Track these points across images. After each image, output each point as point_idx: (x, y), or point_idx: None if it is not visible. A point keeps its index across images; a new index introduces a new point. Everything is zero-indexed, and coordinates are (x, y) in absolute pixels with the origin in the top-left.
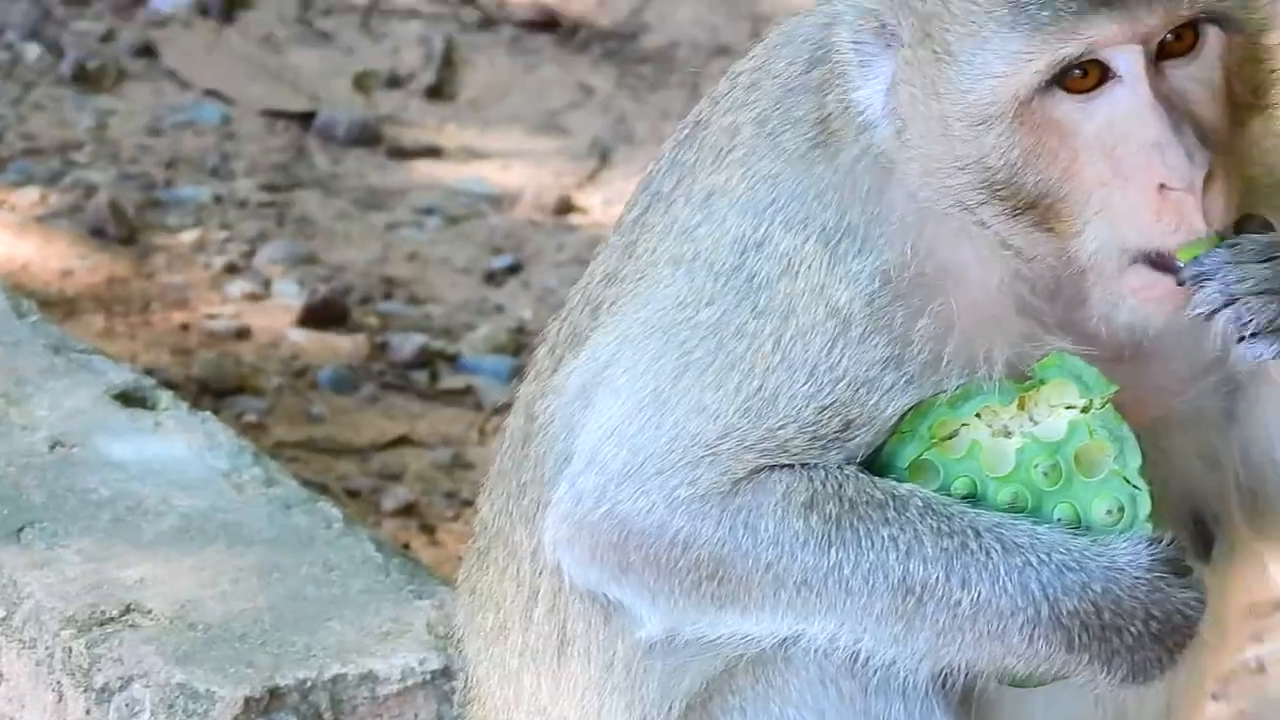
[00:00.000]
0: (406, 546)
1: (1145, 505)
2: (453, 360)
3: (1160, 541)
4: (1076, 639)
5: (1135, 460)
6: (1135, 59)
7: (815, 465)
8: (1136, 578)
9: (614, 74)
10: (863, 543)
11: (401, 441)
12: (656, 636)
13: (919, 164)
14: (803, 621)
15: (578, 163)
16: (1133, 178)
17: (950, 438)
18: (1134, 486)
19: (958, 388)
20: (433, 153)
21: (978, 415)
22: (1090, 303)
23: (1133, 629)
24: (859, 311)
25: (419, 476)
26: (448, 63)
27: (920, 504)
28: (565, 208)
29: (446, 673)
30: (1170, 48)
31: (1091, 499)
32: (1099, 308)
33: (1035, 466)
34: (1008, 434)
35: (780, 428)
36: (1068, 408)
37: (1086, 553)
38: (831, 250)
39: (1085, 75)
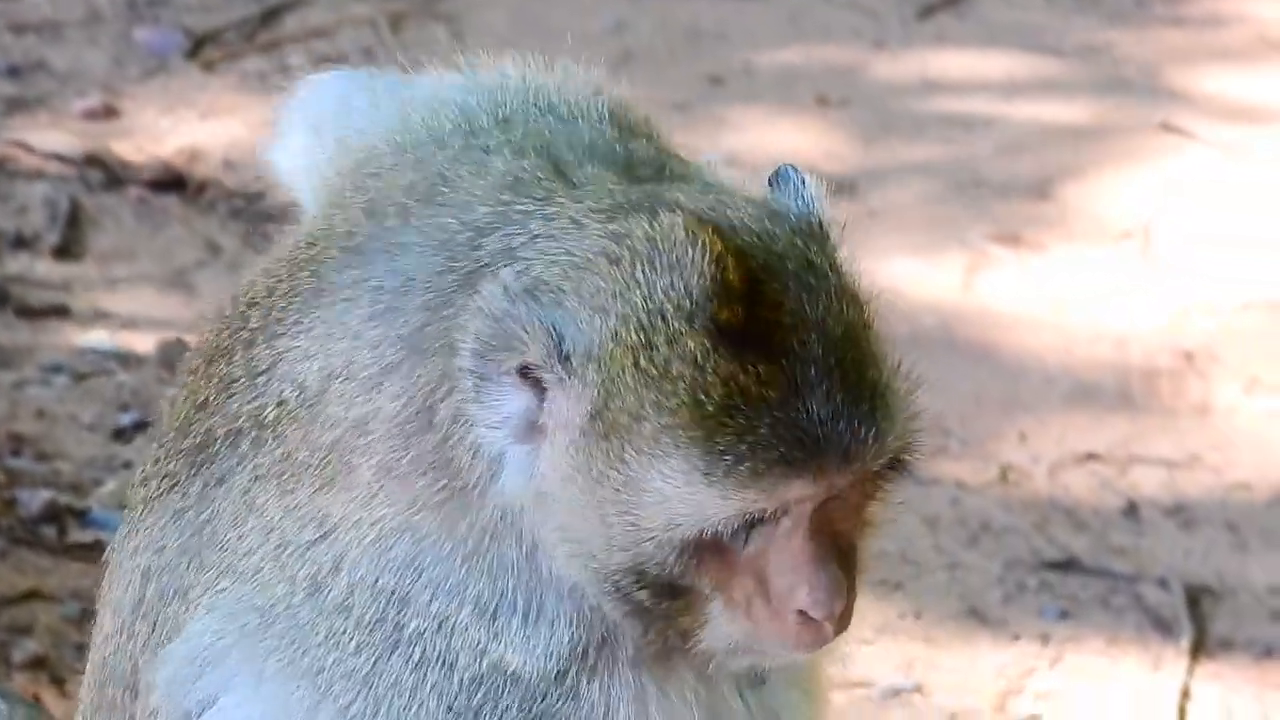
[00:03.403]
0: (37, 698)
1: None
2: (81, 515)
3: None
4: None
5: None
6: (811, 506)
7: None
8: None
9: (241, 232)
10: None
11: (31, 595)
12: None
13: (561, 545)
14: None
15: (205, 321)
16: (778, 600)
17: None
18: None
19: None
20: (60, 312)
21: None
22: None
23: None
24: (535, 674)
25: (49, 630)
26: (74, 223)
27: None
28: None
29: None
30: None
31: None
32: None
33: None
34: None
35: None
36: None
37: None
38: (490, 622)
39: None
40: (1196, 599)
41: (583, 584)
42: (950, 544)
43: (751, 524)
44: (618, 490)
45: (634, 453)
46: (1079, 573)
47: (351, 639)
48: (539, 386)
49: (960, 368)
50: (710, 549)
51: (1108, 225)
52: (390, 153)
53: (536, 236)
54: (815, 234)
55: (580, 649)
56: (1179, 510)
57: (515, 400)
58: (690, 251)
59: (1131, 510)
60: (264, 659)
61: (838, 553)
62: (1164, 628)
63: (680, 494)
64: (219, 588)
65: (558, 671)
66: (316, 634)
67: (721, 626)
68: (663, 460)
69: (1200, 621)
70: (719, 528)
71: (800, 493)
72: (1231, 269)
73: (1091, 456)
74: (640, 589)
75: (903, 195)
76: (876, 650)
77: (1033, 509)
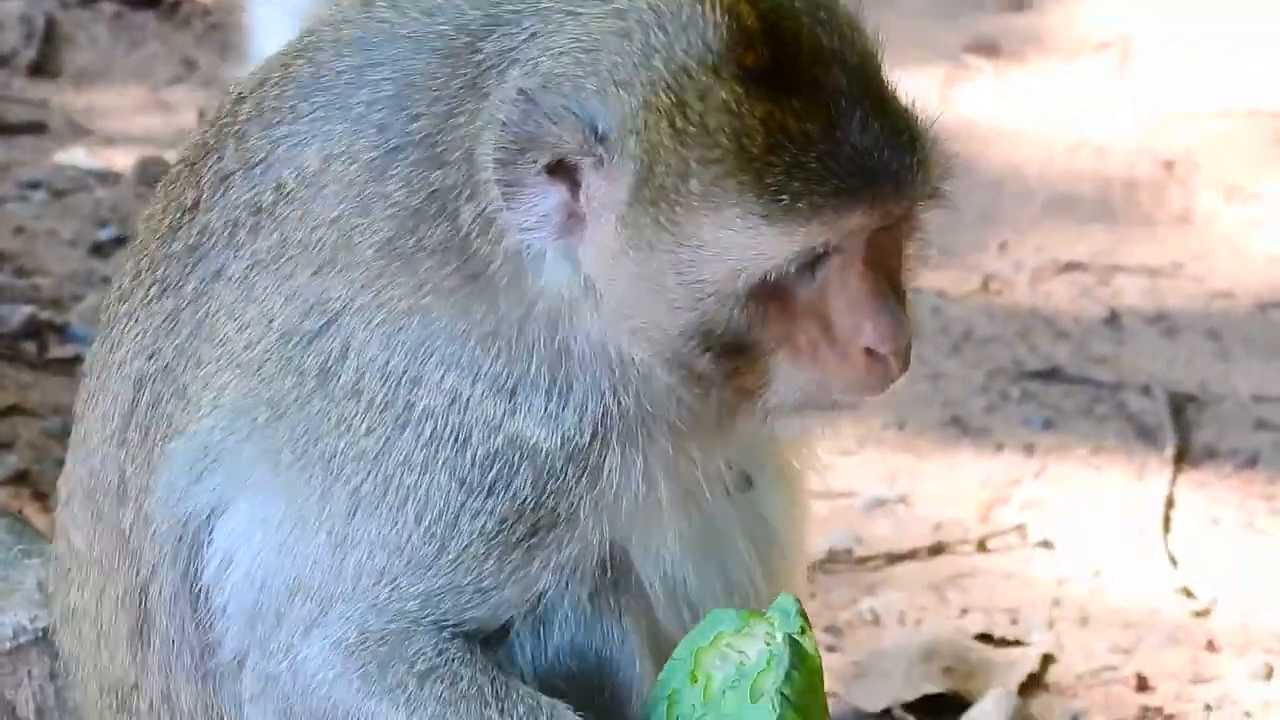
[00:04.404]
0: (20, 513)
1: None
2: (61, 330)
3: None
4: None
5: (786, 686)
6: (864, 237)
7: (459, 629)
8: None
9: (217, 48)
10: None
11: (12, 410)
12: None
13: (621, 322)
14: None
15: (182, 136)
16: (843, 340)
17: (697, 671)
18: (773, 709)
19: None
20: (37, 129)
21: (714, 642)
22: (741, 418)
23: None
24: (556, 449)
25: (30, 444)
26: (50, 40)
27: (524, 710)
28: None
29: None
30: None
31: None
32: (751, 422)
33: (725, 693)
34: (737, 654)
35: (468, 545)
36: (770, 635)
37: None
38: (508, 398)
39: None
40: (1180, 407)
41: (645, 359)
42: (932, 354)
43: (813, 261)
44: (674, 252)
45: (685, 211)
46: (1062, 382)
47: (363, 421)
48: (571, 178)
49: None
50: (772, 296)
51: (1086, 36)
52: None
53: (535, 35)
54: None
55: (603, 427)
56: (1161, 318)
57: (549, 198)
58: (700, 6)
59: (1113, 319)
60: (279, 451)
61: (894, 285)
62: (1148, 436)
63: (741, 240)
64: (221, 383)
65: (576, 448)
66: (328, 420)
67: (788, 378)
68: (716, 212)
69: (1184, 430)
70: (783, 268)
71: (860, 222)
72: (1210, 78)
73: (1072, 265)
74: (705, 351)
75: (880, 7)
76: (859, 461)
77: (1014, 318)
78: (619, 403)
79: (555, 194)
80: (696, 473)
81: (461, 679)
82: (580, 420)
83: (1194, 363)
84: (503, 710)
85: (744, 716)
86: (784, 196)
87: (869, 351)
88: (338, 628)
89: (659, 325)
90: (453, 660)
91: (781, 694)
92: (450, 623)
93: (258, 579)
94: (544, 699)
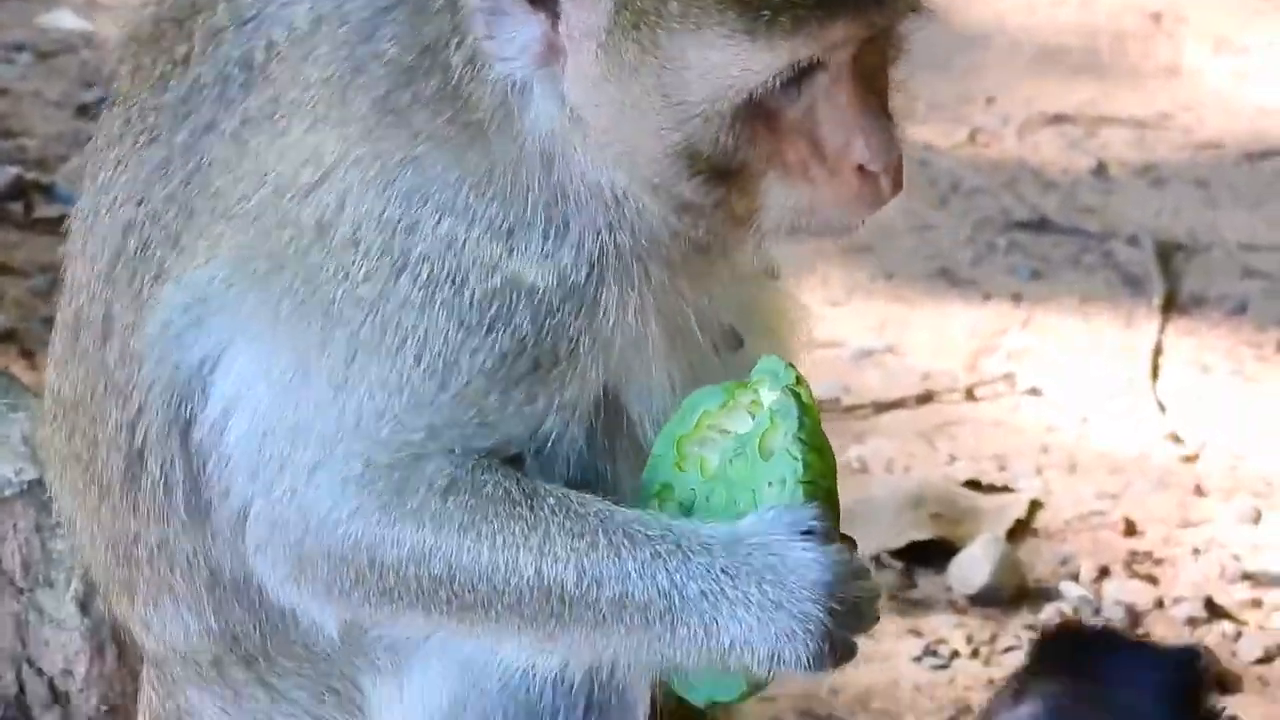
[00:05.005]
0: (6, 370)
1: (798, 472)
2: (48, 190)
3: (795, 509)
4: (712, 618)
5: (801, 432)
6: (849, 52)
7: (469, 453)
8: (754, 544)
9: None
10: (496, 539)
11: None
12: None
13: (606, 150)
14: (459, 618)
15: None
16: (834, 158)
17: (683, 461)
18: (793, 457)
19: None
20: None
21: (697, 426)
22: (735, 248)
23: (751, 595)
24: (552, 286)
25: (17, 303)
26: None
27: (554, 502)
28: None
29: (43, 482)
30: None
31: (764, 478)
32: (749, 252)
33: (731, 462)
34: (722, 434)
35: (469, 382)
36: (754, 403)
37: (713, 534)
38: (505, 239)
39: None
40: (1168, 256)
41: (634, 189)
42: (919, 206)
43: (799, 76)
44: (657, 75)
45: (665, 33)
46: (1049, 232)
47: (360, 268)
48: (550, 9)
49: (923, 33)
50: (759, 115)
51: None
52: None
53: None
54: None
55: (599, 265)
56: (1149, 169)
57: (529, 27)
58: None
59: (1101, 169)
60: (278, 302)
61: (882, 102)
62: (1135, 285)
63: (724, 58)
64: (216, 233)
65: (573, 286)
66: (326, 270)
67: (779, 201)
68: (697, 31)
69: (1172, 278)
70: (768, 85)
71: (844, 34)
72: None
73: (1060, 117)
74: (694, 176)
75: None
76: (847, 311)
77: (1002, 170)
78: (615, 240)
79: (535, 23)
80: (689, 311)
81: (486, 484)
82: (577, 258)
83: (1182, 212)
84: (533, 507)
85: (759, 477)
86: (766, 11)
87: (860, 169)
88: (342, 465)
89: (645, 151)
90: (473, 470)
91: (799, 440)
92: (458, 449)
93: (259, 428)
94: (572, 492)
